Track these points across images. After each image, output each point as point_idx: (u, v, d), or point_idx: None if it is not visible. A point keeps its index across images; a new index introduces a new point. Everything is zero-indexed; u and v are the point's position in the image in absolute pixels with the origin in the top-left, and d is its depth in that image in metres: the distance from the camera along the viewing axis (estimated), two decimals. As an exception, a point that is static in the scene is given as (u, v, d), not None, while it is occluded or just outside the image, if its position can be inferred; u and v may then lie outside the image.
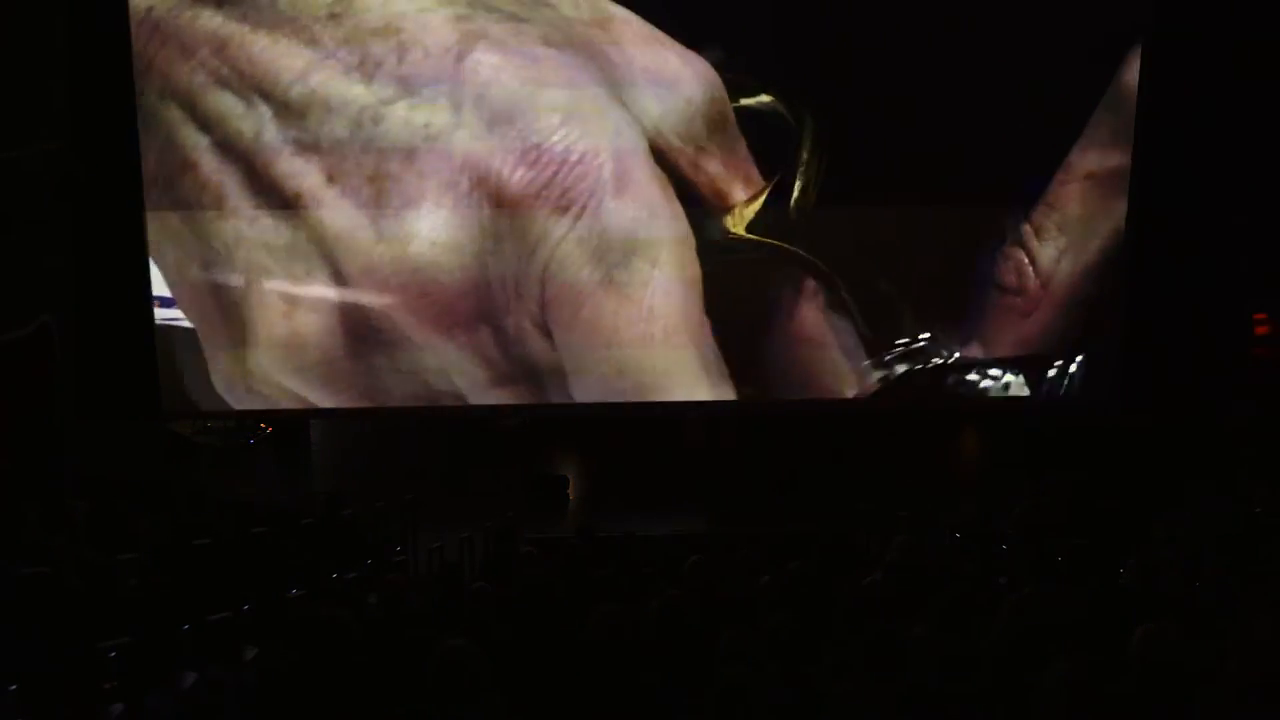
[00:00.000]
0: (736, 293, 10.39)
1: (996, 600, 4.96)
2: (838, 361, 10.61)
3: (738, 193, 10.25)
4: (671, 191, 10.08)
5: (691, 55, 9.86)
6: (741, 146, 10.16)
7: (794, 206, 10.29)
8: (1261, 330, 10.30)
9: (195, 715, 3.76)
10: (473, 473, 11.65)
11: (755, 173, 10.24)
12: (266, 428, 12.25)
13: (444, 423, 11.89)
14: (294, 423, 11.92)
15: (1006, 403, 10.91)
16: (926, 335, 10.62)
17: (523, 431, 12.64)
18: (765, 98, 10.13)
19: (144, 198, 9.81)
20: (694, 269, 10.25)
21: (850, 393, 10.62)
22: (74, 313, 10.05)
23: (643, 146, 9.95)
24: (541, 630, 4.34)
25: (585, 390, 10.34)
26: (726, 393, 10.43)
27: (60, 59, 9.70)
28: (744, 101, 10.09)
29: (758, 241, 10.40)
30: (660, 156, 10.03)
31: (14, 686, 3.82)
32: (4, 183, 8.76)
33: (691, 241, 10.18)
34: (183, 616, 4.89)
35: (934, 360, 10.64)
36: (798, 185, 10.31)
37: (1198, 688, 3.32)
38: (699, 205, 10.17)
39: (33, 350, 9.48)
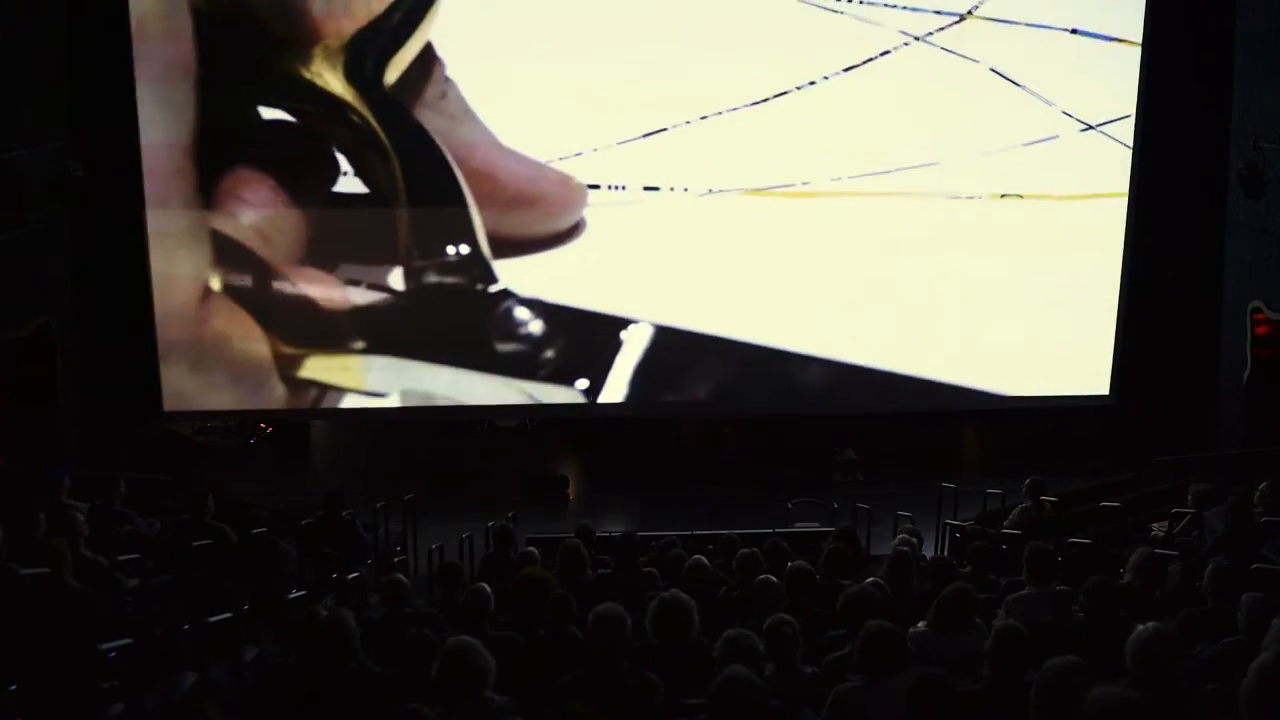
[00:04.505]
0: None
1: (997, 600, 4.98)
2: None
3: (333, 24, 9.37)
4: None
5: None
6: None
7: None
8: (1261, 330, 10.28)
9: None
10: (473, 473, 11.65)
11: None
12: (266, 428, 12.25)
13: (443, 423, 11.89)
14: (294, 423, 11.92)
15: (1007, 402, 10.93)
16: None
17: (521, 430, 12.64)
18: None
19: (144, 197, 9.82)
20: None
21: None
22: (74, 313, 10.05)
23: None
24: (541, 630, 4.34)
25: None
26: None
27: (60, 59, 9.70)
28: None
29: (337, 99, 9.52)
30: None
31: (14, 686, 3.82)
32: (4, 183, 8.76)
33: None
34: (183, 616, 4.88)
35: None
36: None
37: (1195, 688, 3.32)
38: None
39: (33, 350, 9.47)
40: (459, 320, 10.24)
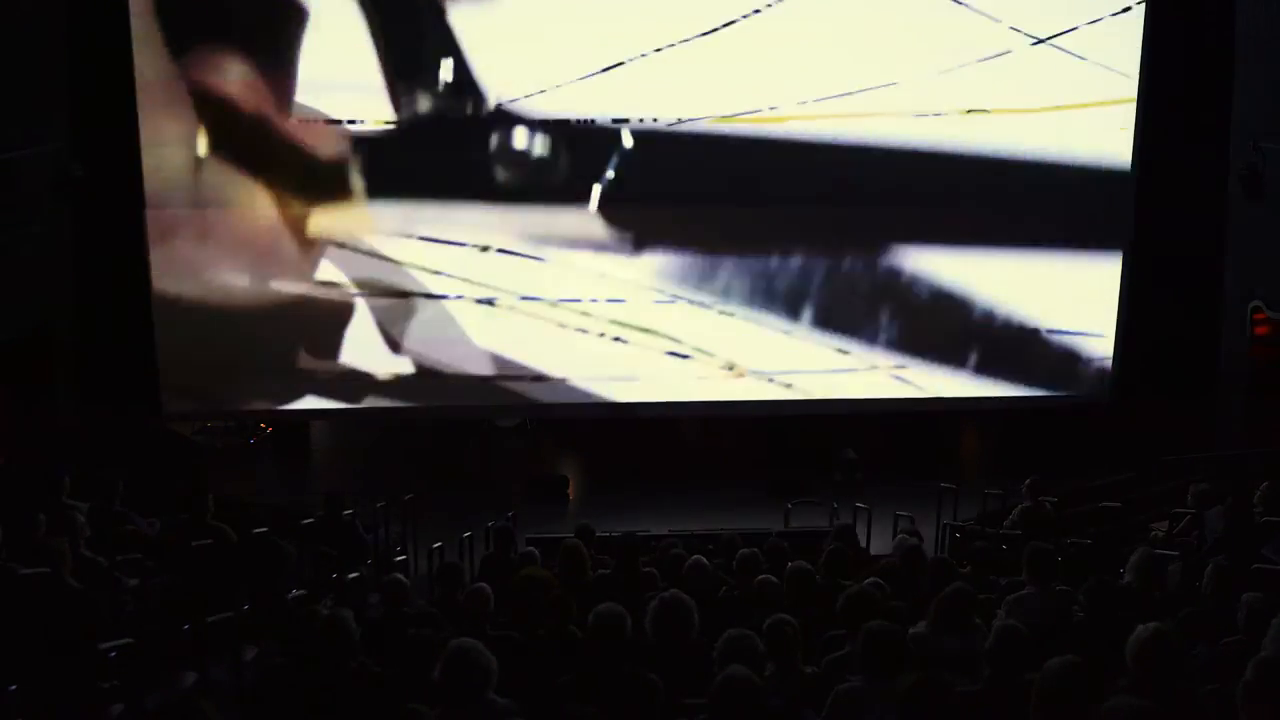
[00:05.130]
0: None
1: (997, 600, 4.98)
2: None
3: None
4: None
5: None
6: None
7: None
8: (1261, 330, 10.29)
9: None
10: (473, 473, 11.65)
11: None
12: (266, 428, 12.24)
13: (443, 423, 11.88)
14: (294, 423, 11.91)
15: (1007, 402, 10.93)
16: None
17: (521, 430, 12.64)
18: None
19: (144, 197, 9.82)
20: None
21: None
22: (74, 313, 10.05)
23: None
24: (541, 630, 4.34)
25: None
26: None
27: (60, 59, 9.70)
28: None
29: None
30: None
31: (14, 686, 3.82)
32: (4, 183, 8.76)
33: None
34: (183, 616, 4.89)
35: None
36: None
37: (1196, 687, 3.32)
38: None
39: (33, 350, 9.48)
40: (461, 152, 10.05)
